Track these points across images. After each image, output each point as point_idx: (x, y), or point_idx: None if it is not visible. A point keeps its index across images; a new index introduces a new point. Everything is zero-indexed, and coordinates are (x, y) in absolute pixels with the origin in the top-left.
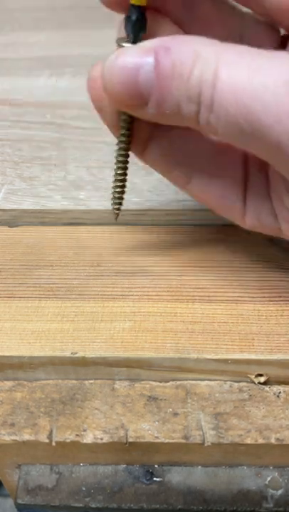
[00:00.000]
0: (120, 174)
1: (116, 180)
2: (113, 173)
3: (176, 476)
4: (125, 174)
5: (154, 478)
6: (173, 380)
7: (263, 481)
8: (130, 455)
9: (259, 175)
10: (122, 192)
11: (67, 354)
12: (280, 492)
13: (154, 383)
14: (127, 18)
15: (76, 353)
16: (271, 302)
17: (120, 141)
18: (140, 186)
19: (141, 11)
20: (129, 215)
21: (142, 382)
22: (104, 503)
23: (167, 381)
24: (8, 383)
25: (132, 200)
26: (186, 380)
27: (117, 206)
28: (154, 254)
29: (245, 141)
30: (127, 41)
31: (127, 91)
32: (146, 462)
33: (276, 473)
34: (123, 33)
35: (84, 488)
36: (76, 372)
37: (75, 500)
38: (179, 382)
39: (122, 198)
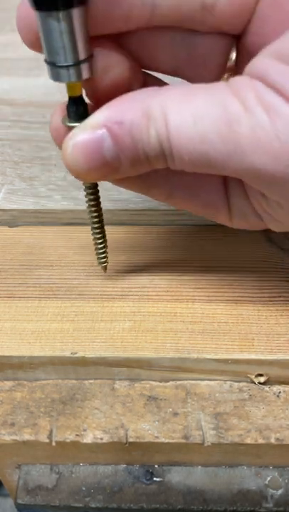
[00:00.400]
0: (97, 233)
1: (95, 238)
2: (91, 232)
3: (176, 476)
4: (103, 231)
5: (154, 478)
6: (173, 380)
7: (263, 480)
8: (130, 455)
9: (236, 182)
10: (105, 247)
11: (67, 354)
12: (279, 492)
13: (154, 383)
14: (68, 109)
15: (76, 353)
16: (271, 302)
17: (90, 205)
18: None
19: (79, 100)
20: (128, 215)
21: (142, 382)
22: (104, 503)
23: (167, 381)
24: (8, 383)
25: (131, 200)
26: (186, 380)
27: (103, 260)
28: (154, 254)
29: (210, 173)
30: (73, 121)
31: (95, 167)
32: (146, 462)
33: (276, 473)
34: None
35: (84, 488)
36: (76, 372)
37: (75, 500)
38: (179, 382)
39: (106, 252)
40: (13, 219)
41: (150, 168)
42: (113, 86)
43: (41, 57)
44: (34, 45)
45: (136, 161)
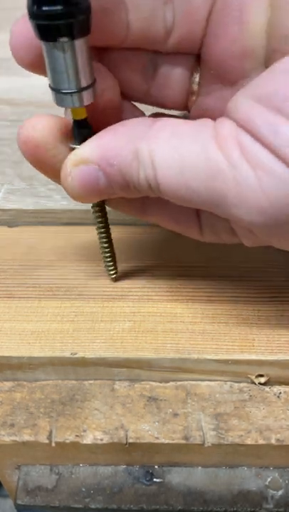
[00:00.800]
0: (105, 247)
1: (103, 252)
2: (99, 246)
3: (177, 477)
4: (111, 245)
5: (154, 479)
6: (173, 380)
7: (263, 481)
8: (130, 456)
9: None
10: (113, 259)
11: (67, 354)
12: (280, 493)
13: (154, 384)
14: (72, 131)
15: (76, 354)
16: (271, 302)
17: (98, 222)
18: None
19: (83, 123)
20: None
21: (142, 382)
22: (104, 504)
23: (167, 381)
24: (8, 384)
25: None
26: (187, 380)
27: (112, 272)
28: (153, 255)
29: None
30: (76, 143)
31: (91, 194)
32: (147, 463)
33: (276, 474)
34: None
35: (84, 489)
36: (76, 372)
37: (75, 501)
38: (179, 383)
39: (115, 264)
40: (13, 219)
41: (141, 195)
42: (105, 110)
43: None
44: (33, 66)
45: (127, 191)
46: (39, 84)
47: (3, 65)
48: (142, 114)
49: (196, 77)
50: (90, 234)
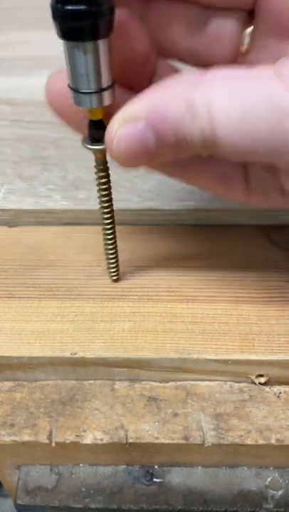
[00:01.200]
0: (110, 243)
1: (107, 253)
2: (103, 242)
3: (176, 477)
4: (114, 242)
5: (154, 479)
6: (173, 380)
7: (263, 481)
8: (130, 456)
9: None
10: (116, 257)
11: (67, 354)
12: (280, 493)
13: (154, 384)
14: (88, 131)
15: (76, 354)
16: (271, 302)
17: (104, 207)
18: (140, 186)
19: (99, 123)
20: (129, 215)
21: (142, 382)
22: (104, 504)
23: (167, 381)
24: (8, 384)
25: (132, 200)
26: (187, 380)
27: (114, 273)
28: (154, 254)
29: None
30: (92, 143)
31: (139, 158)
32: (146, 463)
33: (276, 474)
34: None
35: (84, 489)
36: (76, 372)
37: (75, 501)
38: (179, 383)
39: (117, 266)
40: (13, 219)
41: (192, 154)
42: (131, 59)
43: (40, 56)
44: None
45: (178, 151)
46: (39, 84)
47: (3, 65)
48: None
49: (247, 33)
50: (90, 234)
